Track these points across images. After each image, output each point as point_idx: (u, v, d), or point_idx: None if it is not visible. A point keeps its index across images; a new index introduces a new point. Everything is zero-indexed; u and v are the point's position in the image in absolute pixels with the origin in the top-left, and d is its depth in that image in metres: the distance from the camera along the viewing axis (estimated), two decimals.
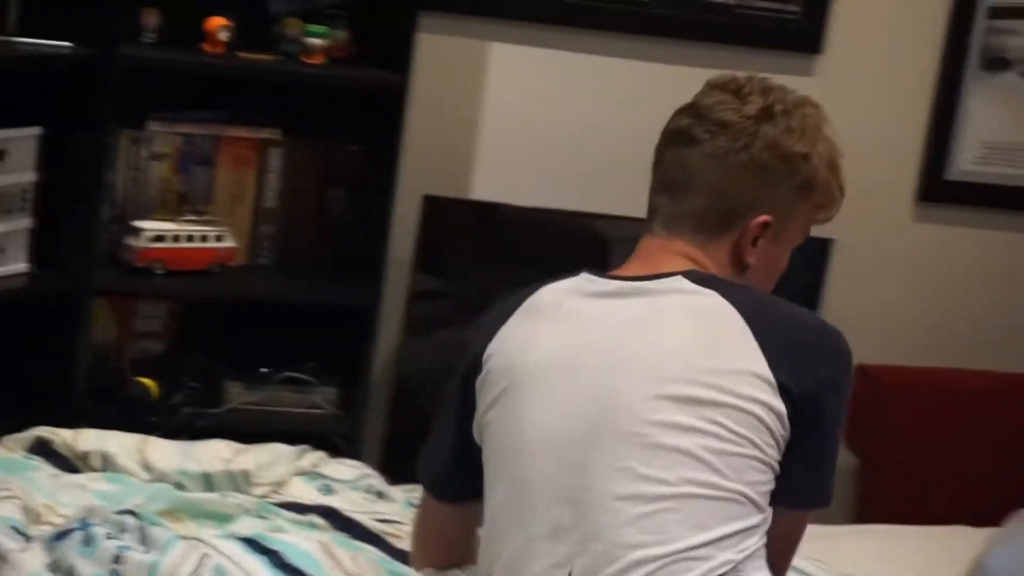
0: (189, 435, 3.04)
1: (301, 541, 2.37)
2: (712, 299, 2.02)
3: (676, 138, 2.15)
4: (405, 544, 2.61)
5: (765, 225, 2.12)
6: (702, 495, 1.95)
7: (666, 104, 3.72)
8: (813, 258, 3.81)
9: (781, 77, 3.81)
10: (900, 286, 4.01)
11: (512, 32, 3.65)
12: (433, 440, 2.26)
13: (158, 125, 3.42)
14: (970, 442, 3.81)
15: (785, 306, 2.07)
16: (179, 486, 2.72)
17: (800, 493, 2.06)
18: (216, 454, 2.82)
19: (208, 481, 2.77)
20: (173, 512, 2.57)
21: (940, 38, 3.89)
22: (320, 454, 2.93)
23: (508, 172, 3.71)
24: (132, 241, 3.33)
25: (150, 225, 3.35)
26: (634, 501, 1.95)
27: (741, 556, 1.97)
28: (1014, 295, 4.03)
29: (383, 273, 3.40)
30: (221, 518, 2.60)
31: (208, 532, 2.47)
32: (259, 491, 2.78)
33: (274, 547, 2.32)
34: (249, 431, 3.05)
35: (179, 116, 3.43)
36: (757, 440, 1.97)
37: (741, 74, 2.20)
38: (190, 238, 3.36)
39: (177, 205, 3.44)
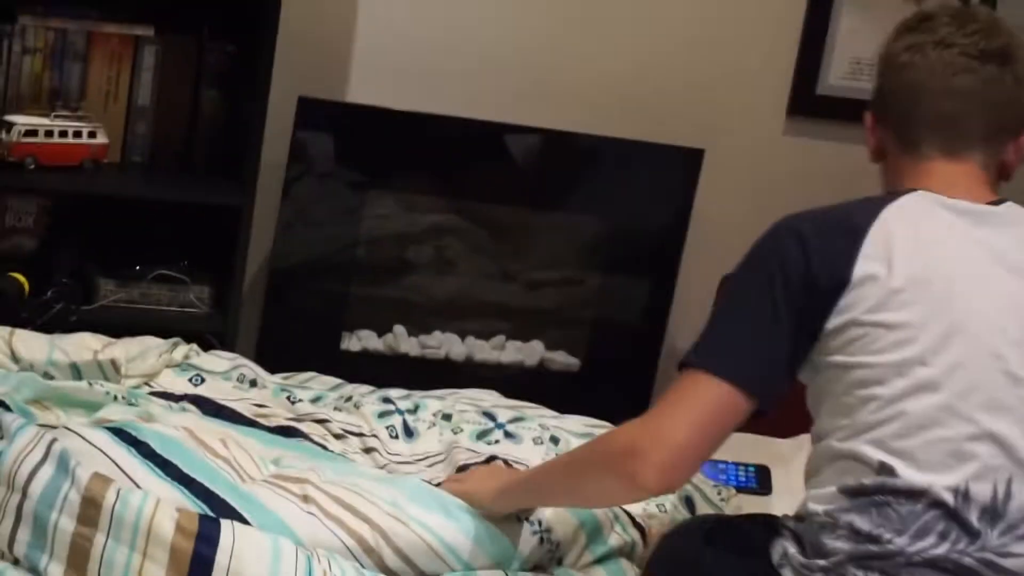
0: (61, 331, 3.02)
1: (169, 430, 2.37)
2: None
3: (944, 70, 2.26)
4: (278, 422, 2.66)
5: None
6: None
7: (541, 8, 3.77)
8: (685, 168, 3.86)
9: None
10: (768, 198, 4.03)
11: None
12: (751, 335, 2.18)
13: (29, 19, 3.39)
14: None
15: None
16: (47, 376, 2.72)
17: None
18: (85, 345, 2.82)
19: (77, 371, 2.77)
20: (40, 400, 2.58)
21: None
22: (192, 346, 2.94)
23: (384, 75, 3.71)
24: (3, 135, 3.30)
25: (22, 120, 3.32)
26: None
27: None
28: None
29: (255, 173, 3.40)
30: (89, 406, 2.60)
31: (76, 420, 2.48)
32: (129, 383, 2.79)
33: (142, 438, 2.32)
34: (121, 328, 3.03)
35: (51, 11, 3.40)
36: None
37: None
38: (63, 133, 3.34)
39: (49, 100, 3.42)
